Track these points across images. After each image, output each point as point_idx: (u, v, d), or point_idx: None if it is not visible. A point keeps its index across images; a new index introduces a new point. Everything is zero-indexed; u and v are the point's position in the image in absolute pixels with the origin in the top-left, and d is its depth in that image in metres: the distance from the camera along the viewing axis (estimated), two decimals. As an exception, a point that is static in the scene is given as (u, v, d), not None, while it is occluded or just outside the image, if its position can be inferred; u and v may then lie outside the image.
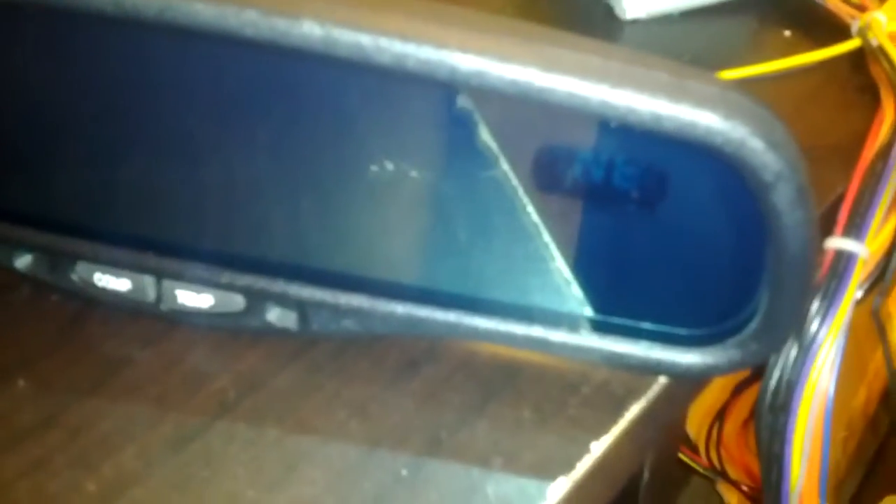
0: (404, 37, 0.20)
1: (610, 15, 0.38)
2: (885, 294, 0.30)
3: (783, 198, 0.20)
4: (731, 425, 0.48)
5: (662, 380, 0.25)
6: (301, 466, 0.24)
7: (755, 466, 0.45)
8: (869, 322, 0.32)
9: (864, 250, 0.29)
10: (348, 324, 0.25)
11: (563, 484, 0.23)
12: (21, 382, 0.25)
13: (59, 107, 0.24)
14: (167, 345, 0.26)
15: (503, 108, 0.22)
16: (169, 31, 0.20)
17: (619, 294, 0.25)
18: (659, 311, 0.24)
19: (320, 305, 0.25)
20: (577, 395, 0.25)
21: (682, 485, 0.59)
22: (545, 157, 0.23)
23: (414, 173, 0.23)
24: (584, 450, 0.24)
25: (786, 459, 0.29)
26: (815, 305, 0.28)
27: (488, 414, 0.25)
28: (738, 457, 0.49)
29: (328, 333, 0.25)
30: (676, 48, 0.37)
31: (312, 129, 0.23)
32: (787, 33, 0.38)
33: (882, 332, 0.33)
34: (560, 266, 0.24)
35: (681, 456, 0.51)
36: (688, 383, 0.27)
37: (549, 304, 0.25)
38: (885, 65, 0.34)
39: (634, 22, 0.38)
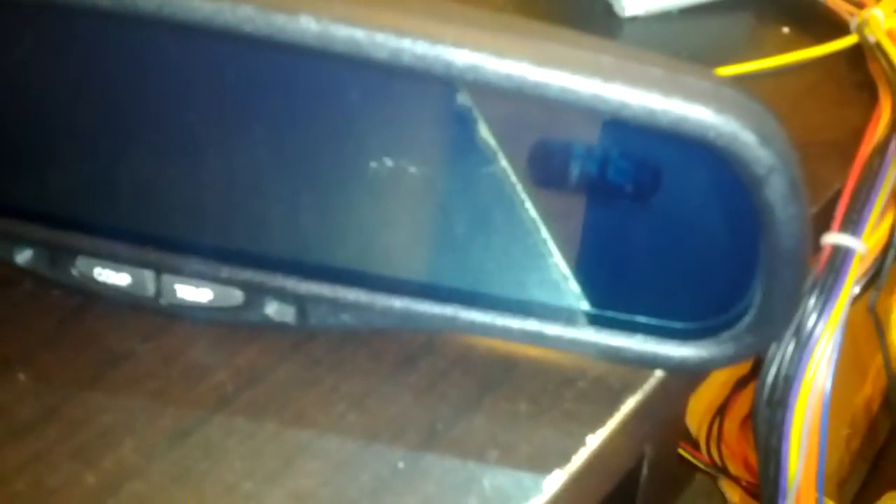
0: (400, 32, 0.20)
1: (609, 12, 0.39)
2: (882, 289, 0.30)
3: (775, 191, 0.20)
4: (732, 421, 0.48)
5: (658, 373, 0.26)
6: (299, 459, 0.24)
7: (755, 462, 0.45)
8: (868, 319, 0.32)
9: (862, 246, 0.29)
10: (346, 318, 0.25)
11: (559, 477, 0.24)
12: (21, 376, 0.25)
13: (60, 103, 0.24)
14: (166, 339, 0.26)
15: (502, 105, 0.22)
16: (167, 27, 0.20)
17: (615, 288, 0.25)
18: (654, 305, 0.24)
19: (319, 300, 0.25)
20: (573, 389, 0.25)
21: (684, 482, 0.59)
22: (542, 152, 0.23)
23: (413, 169, 0.23)
24: (580, 443, 0.24)
25: (783, 454, 0.29)
26: (811, 301, 0.28)
27: (485, 407, 0.25)
28: (739, 453, 0.49)
29: (326, 327, 0.26)
30: (675, 45, 0.37)
31: (312, 125, 0.23)
32: (786, 30, 0.38)
33: (879, 328, 0.33)
34: (557, 261, 0.24)
35: (682, 452, 0.51)
36: (684, 377, 0.27)
37: (546, 299, 0.25)
38: (883, 61, 0.34)
39: (633, 19, 0.38)
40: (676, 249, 0.24)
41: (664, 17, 0.38)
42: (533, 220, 0.24)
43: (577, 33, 0.21)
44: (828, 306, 0.28)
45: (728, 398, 0.46)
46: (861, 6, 0.36)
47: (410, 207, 0.25)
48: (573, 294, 0.25)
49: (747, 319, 0.23)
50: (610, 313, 0.25)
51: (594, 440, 0.24)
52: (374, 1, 0.21)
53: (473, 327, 0.25)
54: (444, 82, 0.22)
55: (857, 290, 0.29)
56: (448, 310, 0.25)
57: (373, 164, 0.23)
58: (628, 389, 0.25)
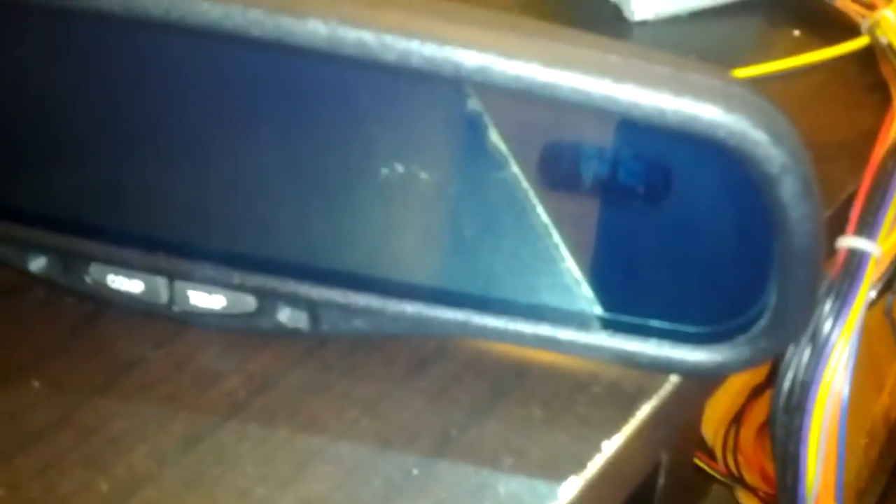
0: (408, 34, 0.20)
1: (618, 16, 0.39)
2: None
3: (788, 191, 0.20)
4: (748, 430, 0.47)
5: (674, 378, 0.25)
6: (311, 464, 0.24)
7: (771, 471, 0.45)
8: (884, 326, 0.32)
9: (877, 249, 0.28)
10: (359, 324, 0.25)
11: (575, 483, 0.23)
12: (35, 383, 0.25)
13: (72, 109, 0.24)
14: (179, 345, 0.26)
15: (512, 110, 0.22)
16: (176, 31, 0.21)
17: (628, 292, 0.25)
18: (668, 309, 0.24)
19: (331, 305, 0.25)
20: (587, 394, 0.25)
21: (701, 493, 0.58)
22: (553, 156, 0.23)
23: (424, 175, 0.23)
24: (596, 449, 0.24)
25: (801, 460, 0.29)
26: (827, 306, 0.28)
27: (498, 412, 0.25)
28: (756, 462, 0.48)
29: (339, 333, 0.26)
30: (684, 49, 0.37)
31: (324, 130, 0.23)
32: (796, 33, 0.38)
33: (897, 332, 0.33)
34: (569, 265, 0.24)
35: (698, 462, 0.50)
36: (699, 382, 0.27)
37: (559, 303, 0.25)
38: (895, 63, 0.34)
39: (643, 23, 0.38)
40: (689, 252, 0.24)
41: (674, 21, 0.38)
42: (545, 225, 0.24)
43: (586, 34, 0.21)
44: (844, 311, 0.28)
45: (744, 406, 0.46)
46: (872, 8, 0.36)
47: (422, 213, 0.25)
48: (586, 298, 0.24)
49: (762, 322, 0.23)
50: (623, 317, 0.24)
51: (610, 446, 0.24)
52: (383, 3, 0.21)
53: (486, 332, 0.25)
54: (453, 85, 0.22)
55: (873, 294, 0.29)
56: (460, 315, 0.25)
57: (384, 170, 0.23)
58: (643, 394, 0.25)
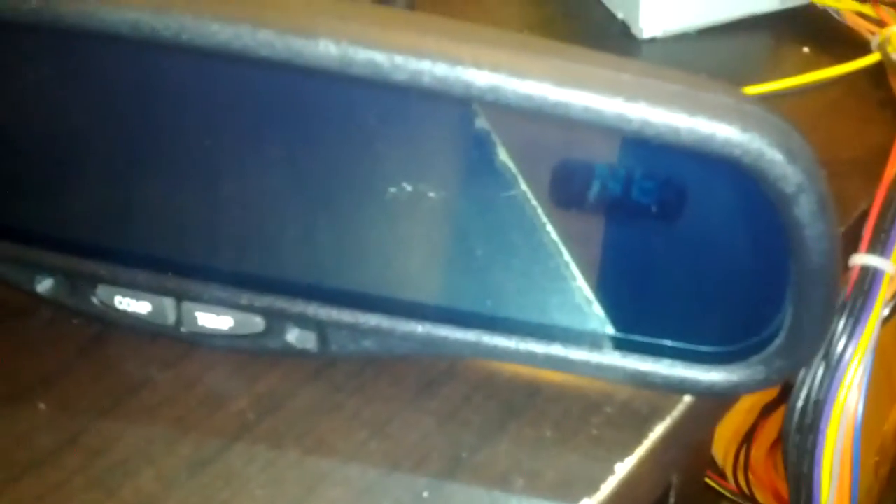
0: (419, 53, 0.20)
1: (627, 34, 0.39)
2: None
3: (804, 209, 0.20)
4: (759, 449, 0.47)
5: (687, 398, 0.25)
6: (321, 487, 0.23)
7: (784, 490, 0.44)
8: (894, 342, 0.32)
9: (891, 266, 0.28)
10: (368, 344, 0.25)
11: (588, 505, 0.23)
12: (41, 405, 0.25)
13: (80, 131, 0.24)
14: (186, 366, 0.26)
15: (521, 128, 0.22)
16: (185, 53, 0.20)
17: (640, 312, 0.24)
18: (682, 329, 0.24)
19: (340, 326, 0.25)
20: (599, 415, 0.25)
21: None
22: (563, 174, 0.23)
23: (432, 194, 0.23)
24: (609, 470, 0.24)
25: (815, 480, 0.28)
26: (841, 324, 0.28)
27: (509, 433, 0.24)
28: (767, 481, 0.48)
29: (348, 354, 0.25)
30: (694, 66, 0.37)
31: (332, 150, 0.23)
32: (806, 50, 0.38)
33: (911, 350, 0.32)
34: (580, 284, 0.24)
35: (708, 481, 0.50)
36: (713, 402, 0.27)
37: (570, 323, 0.24)
38: (907, 79, 0.34)
39: (652, 40, 0.38)
40: (703, 271, 0.23)
41: (682, 39, 0.38)
42: (555, 244, 0.24)
43: (597, 52, 0.21)
44: (857, 329, 0.28)
45: (755, 425, 0.45)
46: (882, 25, 0.36)
47: (431, 232, 0.25)
48: (597, 318, 0.24)
49: (777, 342, 0.23)
50: (636, 337, 0.24)
51: (623, 468, 0.24)
52: (393, 23, 0.21)
53: (497, 352, 0.24)
54: (463, 104, 0.21)
55: (886, 311, 0.28)
56: (471, 335, 0.24)
57: (392, 189, 0.23)
58: (656, 415, 0.25)
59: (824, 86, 0.36)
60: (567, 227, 0.23)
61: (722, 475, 0.51)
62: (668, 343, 0.24)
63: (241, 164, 0.24)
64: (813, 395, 0.28)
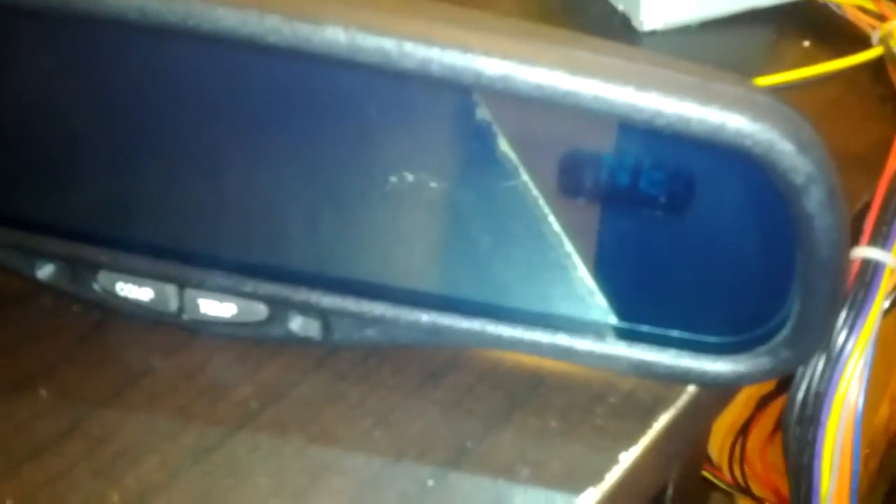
0: (429, 41, 0.20)
1: (627, 26, 0.38)
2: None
3: (814, 201, 0.20)
4: (755, 441, 0.47)
5: (691, 389, 0.25)
6: (325, 476, 0.23)
7: (780, 482, 0.45)
8: (889, 334, 0.32)
9: (892, 259, 0.28)
10: (371, 333, 0.25)
11: (592, 495, 0.23)
12: (43, 392, 0.25)
13: (82, 117, 0.24)
14: (189, 354, 0.26)
15: (522, 118, 0.22)
16: (192, 38, 0.20)
17: (645, 302, 0.24)
18: (687, 319, 0.24)
19: (343, 314, 0.25)
20: (603, 405, 0.25)
21: (702, 502, 0.58)
22: (568, 164, 0.23)
23: (434, 184, 0.23)
24: (613, 460, 0.24)
25: (815, 472, 0.29)
26: (842, 316, 0.28)
27: (514, 423, 0.24)
28: (763, 473, 0.48)
29: (351, 343, 0.25)
30: (695, 59, 0.37)
31: (334, 139, 0.23)
32: (806, 43, 0.38)
33: (910, 342, 0.33)
34: (582, 274, 0.24)
35: (704, 473, 0.50)
36: (717, 393, 0.27)
37: (574, 313, 0.24)
38: (908, 73, 0.34)
39: (652, 33, 0.38)
40: (709, 262, 0.23)
41: (683, 31, 0.38)
42: (556, 234, 0.23)
43: (604, 41, 0.21)
44: (858, 322, 0.28)
45: (751, 417, 0.45)
46: (883, 19, 0.36)
47: (434, 221, 0.25)
48: (600, 308, 0.24)
49: (784, 333, 0.23)
50: (641, 327, 0.24)
51: (627, 458, 0.24)
52: (402, 10, 0.21)
53: (500, 342, 0.24)
54: (461, 94, 0.21)
55: (886, 304, 0.29)
56: (474, 324, 0.24)
57: (393, 179, 0.23)
58: (661, 405, 0.25)
59: (825, 80, 0.36)
60: (570, 217, 0.23)
61: (717, 467, 0.51)
62: (674, 333, 0.24)
63: (244, 151, 0.24)
64: (813, 387, 0.28)
